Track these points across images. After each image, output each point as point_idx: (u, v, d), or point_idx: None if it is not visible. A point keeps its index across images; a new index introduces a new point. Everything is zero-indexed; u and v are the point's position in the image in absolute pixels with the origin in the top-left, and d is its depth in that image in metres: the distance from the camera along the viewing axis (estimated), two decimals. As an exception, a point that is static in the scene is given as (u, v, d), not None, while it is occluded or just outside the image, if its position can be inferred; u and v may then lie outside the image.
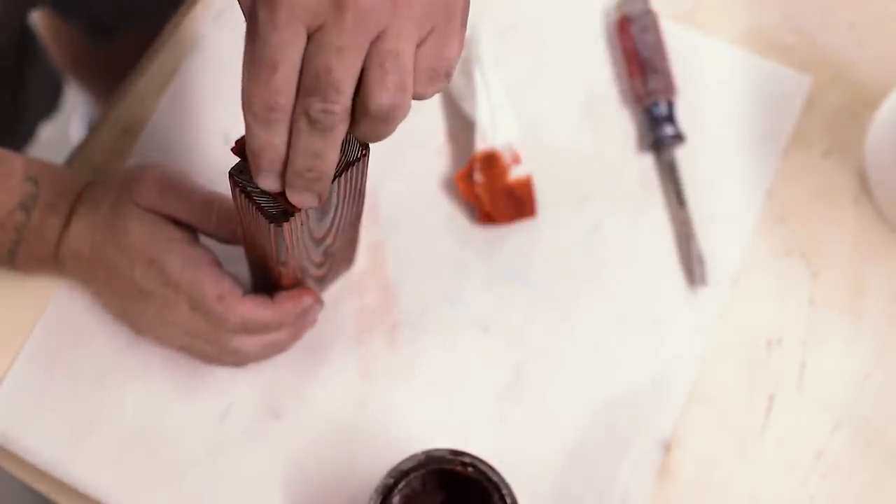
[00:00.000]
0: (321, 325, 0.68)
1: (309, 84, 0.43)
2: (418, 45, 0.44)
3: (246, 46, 0.44)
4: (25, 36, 0.96)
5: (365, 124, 0.44)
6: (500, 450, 0.66)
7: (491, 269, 0.71)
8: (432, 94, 0.46)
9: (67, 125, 1.50)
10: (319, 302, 0.64)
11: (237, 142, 0.48)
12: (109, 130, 0.73)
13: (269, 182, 0.46)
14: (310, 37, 0.43)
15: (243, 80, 0.44)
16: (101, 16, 1.03)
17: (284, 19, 0.42)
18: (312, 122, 0.44)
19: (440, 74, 0.45)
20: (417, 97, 0.45)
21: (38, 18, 1.14)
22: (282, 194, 0.47)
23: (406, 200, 0.72)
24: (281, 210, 0.49)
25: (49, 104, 1.08)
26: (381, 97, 0.43)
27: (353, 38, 0.42)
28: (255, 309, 0.60)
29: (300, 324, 0.64)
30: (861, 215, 0.73)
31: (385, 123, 0.44)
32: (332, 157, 0.45)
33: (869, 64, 0.76)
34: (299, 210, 0.49)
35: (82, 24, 1.05)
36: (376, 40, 0.43)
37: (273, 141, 0.44)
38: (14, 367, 0.67)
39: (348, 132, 0.45)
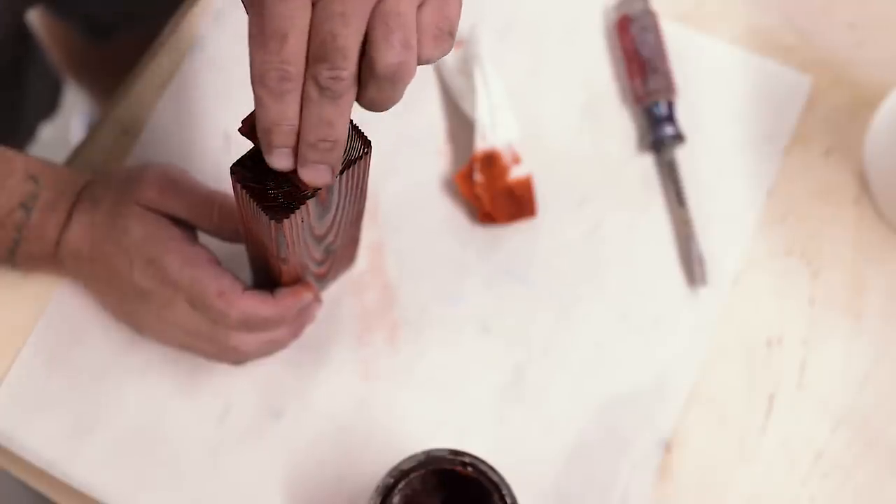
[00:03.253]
0: (321, 325, 0.68)
1: (316, 52, 0.44)
2: (419, 7, 0.45)
3: (252, 20, 0.44)
4: (23, 35, 0.96)
5: (372, 87, 0.45)
6: (500, 450, 0.66)
7: (491, 268, 0.71)
8: (439, 56, 0.46)
9: (67, 125, 1.50)
10: (318, 299, 0.64)
11: (244, 121, 0.48)
12: (109, 130, 0.73)
13: (282, 160, 0.46)
14: (313, 5, 0.43)
15: (252, 54, 0.44)
16: (99, 16, 1.03)
17: None
18: (322, 90, 0.44)
19: (444, 33, 0.46)
20: (424, 60, 0.46)
21: (35, 18, 1.14)
22: (294, 173, 0.47)
23: (406, 200, 0.72)
24: (282, 205, 0.49)
25: (48, 104, 1.08)
26: (387, 55, 0.44)
27: (356, 4, 0.43)
28: (256, 304, 0.60)
29: (299, 321, 0.64)
30: (861, 215, 0.73)
31: (392, 84, 0.44)
32: (344, 124, 0.45)
33: (869, 64, 0.76)
34: (309, 195, 0.49)
35: (80, 24, 1.05)
36: (378, 4, 0.44)
37: (287, 113, 0.45)
38: (14, 367, 0.67)
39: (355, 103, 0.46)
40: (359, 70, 0.44)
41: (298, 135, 0.45)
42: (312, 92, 0.44)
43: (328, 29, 0.43)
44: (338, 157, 0.47)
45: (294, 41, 0.43)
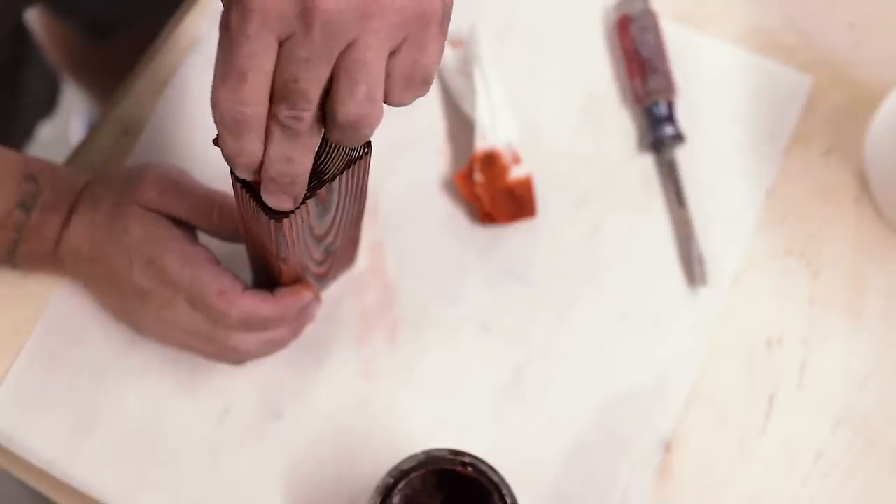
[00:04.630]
0: (321, 324, 0.68)
1: (278, 92, 0.44)
2: (392, 54, 0.44)
3: (217, 53, 0.44)
4: (21, 34, 0.96)
5: (336, 132, 0.45)
6: (500, 450, 0.66)
7: (491, 268, 0.71)
8: (412, 101, 0.46)
9: (67, 125, 1.50)
10: (318, 298, 0.64)
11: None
12: (109, 130, 0.73)
13: (247, 176, 0.47)
14: (281, 45, 0.43)
15: (213, 89, 0.44)
16: (98, 16, 1.03)
17: (256, 30, 0.42)
18: (283, 128, 0.44)
19: (416, 82, 0.45)
20: (396, 104, 0.46)
21: (34, 18, 1.14)
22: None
23: (406, 200, 0.72)
24: None
25: (46, 103, 1.08)
26: (348, 107, 0.44)
27: (321, 50, 0.43)
28: (256, 303, 0.60)
29: (299, 320, 0.64)
30: (861, 215, 0.73)
31: (354, 132, 0.45)
32: (305, 162, 0.46)
33: (869, 64, 0.76)
34: (309, 195, 0.49)
35: (79, 24, 1.05)
36: (345, 51, 0.43)
37: (245, 148, 0.45)
38: (14, 367, 0.67)
39: (325, 137, 0.46)
40: (324, 111, 0.44)
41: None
42: (275, 129, 0.44)
43: (291, 72, 0.43)
44: (299, 190, 0.47)
45: (254, 81, 0.43)
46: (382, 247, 0.71)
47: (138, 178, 0.62)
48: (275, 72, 0.44)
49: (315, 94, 0.44)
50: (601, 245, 0.72)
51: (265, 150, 0.45)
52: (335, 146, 0.50)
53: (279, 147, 0.45)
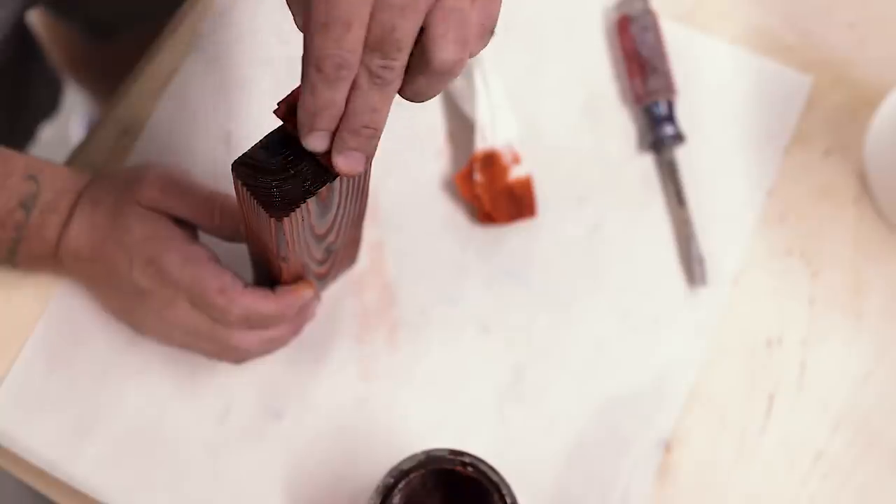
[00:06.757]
0: (321, 324, 0.68)
1: (373, 42, 0.45)
2: (471, 4, 0.46)
3: (316, 5, 0.44)
4: (24, 35, 0.96)
5: (422, 80, 0.46)
6: (500, 450, 0.66)
7: (491, 269, 0.71)
8: (478, 52, 0.47)
9: (67, 125, 1.50)
10: (317, 296, 0.64)
11: (281, 104, 0.48)
12: (109, 130, 0.73)
13: (319, 142, 0.47)
14: None
15: (313, 40, 0.45)
16: (99, 16, 1.03)
17: None
18: (373, 78, 0.45)
19: (487, 31, 0.47)
20: (468, 56, 0.47)
21: (35, 18, 1.14)
22: (327, 155, 0.48)
23: (406, 200, 0.72)
24: (283, 203, 0.49)
25: (49, 104, 1.08)
26: (445, 52, 0.45)
27: None
28: (257, 301, 0.60)
29: (300, 318, 0.64)
30: (861, 215, 0.73)
31: (444, 79, 0.46)
32: (386, 112, 0.47)
33: (869, 64, 0.76)
34: (309, 194, 0.49)
35: (80, 25, 1.05)
36: None
37: (335, 98, 0.46)
38: (14, 367, 0.67)
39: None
40: (410, 59, 0.45)
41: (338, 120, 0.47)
42: (363, 80, 0.45)
43: (388, 20, 0.44)
44: (376, 144, 0.48)
45: (356, 30, 0.44)
46: (382, 247, 0.71)
47: (139, 178, 0.62)
48: (369, 22, 0.44)
49: (409, 43, 0.45)
50: (601, 245, 0.72)
51: (348, 103, 0.46)
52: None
53: (367, 97, 0.46)
